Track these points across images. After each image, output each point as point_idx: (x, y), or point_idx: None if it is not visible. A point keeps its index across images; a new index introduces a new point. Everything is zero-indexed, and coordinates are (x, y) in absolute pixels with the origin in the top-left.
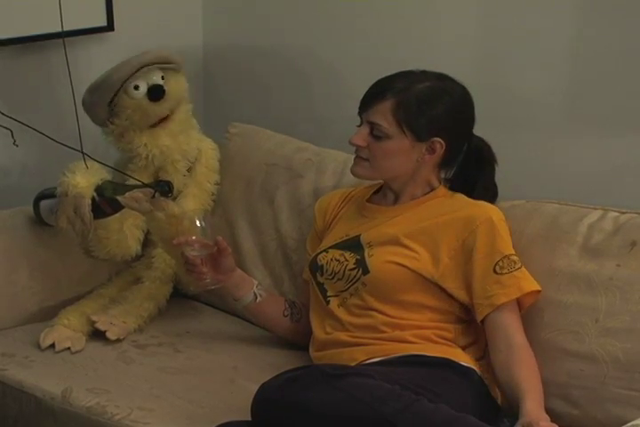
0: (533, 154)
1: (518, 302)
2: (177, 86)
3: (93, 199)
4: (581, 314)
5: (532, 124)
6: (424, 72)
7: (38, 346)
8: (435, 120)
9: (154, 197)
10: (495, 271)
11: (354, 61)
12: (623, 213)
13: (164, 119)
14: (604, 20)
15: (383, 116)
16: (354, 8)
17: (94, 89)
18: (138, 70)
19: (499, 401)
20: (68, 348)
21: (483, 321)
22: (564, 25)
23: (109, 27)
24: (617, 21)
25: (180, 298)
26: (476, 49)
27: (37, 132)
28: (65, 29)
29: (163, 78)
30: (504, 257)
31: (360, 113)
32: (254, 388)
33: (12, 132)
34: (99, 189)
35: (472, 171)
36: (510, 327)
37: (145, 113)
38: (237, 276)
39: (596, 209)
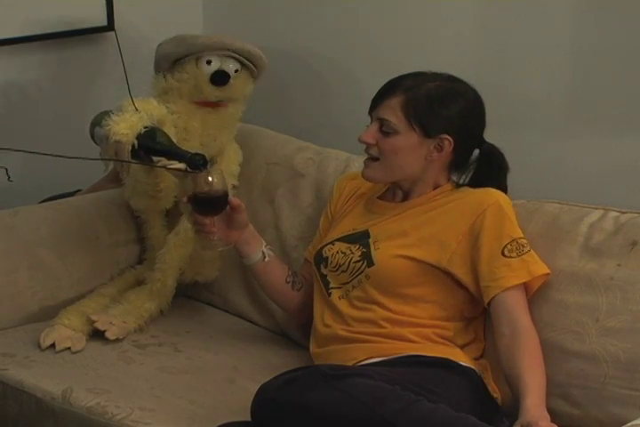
0: (534, 154)
1: (526, 285)
2: (241, 86)
3: (134, 146)
4: (582, 314)
5: (532, 124)
6: (435, 73)
7: (39, 346)
8: (445, 117)
9: (186, 170)
10: (504, 254)
11: (358, 60)
12: (624, 212)
13: (209, 104)
14: (604, 20)
15: (392, 111)
16: (357, 8)
17: (175, 40)
18: (224, 50)
19: (498, 401)
20: (69, 348)
21: (489, 304)
22: (564, 25)
23: (109, 27)
24: (617, 21)
25: (181, 298)
26: (476, 50)
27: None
28: (65, 29)
29: (236, 71)
30: (512, 240)
31: (370, 112)
32: (254, 388)
33: (6, 169)
34: (140, 138)
35: (484, 177)
36: (516, 310)
37: (196, 88)
38: (249, 232)
39: (596, 209)
